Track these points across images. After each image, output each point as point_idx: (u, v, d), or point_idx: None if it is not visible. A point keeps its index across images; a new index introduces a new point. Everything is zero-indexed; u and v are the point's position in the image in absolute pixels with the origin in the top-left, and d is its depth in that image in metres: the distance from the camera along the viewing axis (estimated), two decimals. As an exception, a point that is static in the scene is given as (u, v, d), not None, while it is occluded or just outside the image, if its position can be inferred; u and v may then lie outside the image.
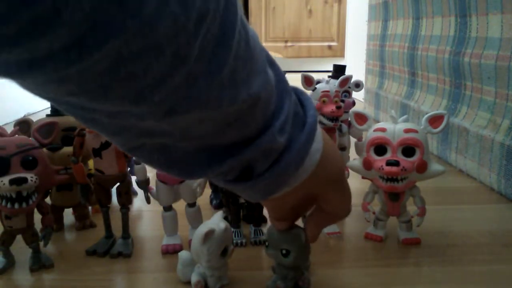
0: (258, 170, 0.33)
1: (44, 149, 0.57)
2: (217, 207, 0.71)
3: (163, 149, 0.29)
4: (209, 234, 0.45)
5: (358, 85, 0.71)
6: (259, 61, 0.28)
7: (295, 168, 0.34)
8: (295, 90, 0.36)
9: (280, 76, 0.32)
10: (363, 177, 0.61)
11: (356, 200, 0.69)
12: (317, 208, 0.42)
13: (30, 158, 0.51)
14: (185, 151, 0.30)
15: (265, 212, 0.62)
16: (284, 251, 0.44)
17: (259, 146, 0.30)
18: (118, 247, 0.57)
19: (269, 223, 0.50)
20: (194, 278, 0.48)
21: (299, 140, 0.33)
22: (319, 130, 0.36)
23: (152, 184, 0.58)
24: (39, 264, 0.53)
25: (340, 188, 0.40)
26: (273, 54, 3.10)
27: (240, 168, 0.32)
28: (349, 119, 0.64)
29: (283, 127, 0.31)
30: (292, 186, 0.35)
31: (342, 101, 0.63)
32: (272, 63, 0.32)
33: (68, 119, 0.63)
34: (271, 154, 0.32)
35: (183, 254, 0.50)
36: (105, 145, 0.55)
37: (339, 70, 0.70)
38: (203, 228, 0.46)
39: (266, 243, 0.46)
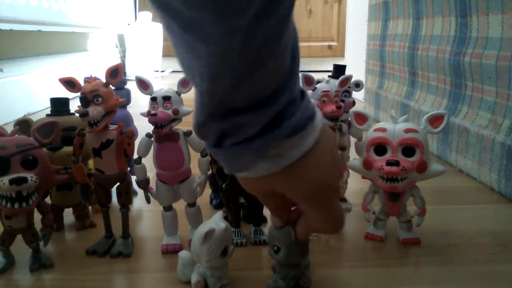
0: (226, 142, 0.34)
1: (44, 149, 0.57)
2: (217, 207, 0.71)
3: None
4: (209, 234, 0.45)
5: (358, 85, 0.70)
6: (286, 38, 0.30)
7: (252, 158, 0.35)
8: (302, 91, 0.36)
9: (292, 71, 0.33)
10: (363, 177, 0.61)
11: (356, 200, 0.69)
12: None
13: (30, 158, 0.51)
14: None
15: (265, 212, 0.63)
16: (275, 248, 0.45)
17: (236, 117, 0.32)
18: (118, 247, 0.57)
19: (269, 223, 0.50)
20: (194, 278, 0.48)
21: (269, 135, 0.33)
22: (312, 136, 0.35)
23: (152, 184, 0.58)
24: (39, 264, 0.53)
25: (319, 204, 0.38)
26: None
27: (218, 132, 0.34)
28: (349, 119, 0.64)
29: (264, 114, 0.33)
30: (253, 175, 0.36)
31: (342, 101, 0.63)
32: (294, 57, 0.33)
33: (68, 119, 0.63)
34: (240, 131, 0.33)
35: (183, 254, 0.50)
36: (105, 145, 0.55)
37: (339, 70, 0.70)
38: (203, 228, 0.46)
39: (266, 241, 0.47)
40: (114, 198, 0.59)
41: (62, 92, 0.61)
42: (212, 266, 0.47)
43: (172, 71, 3.07)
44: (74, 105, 0.59)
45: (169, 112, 0.53)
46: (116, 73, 0.56)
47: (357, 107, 0.63)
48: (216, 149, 0.36)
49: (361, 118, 0.60)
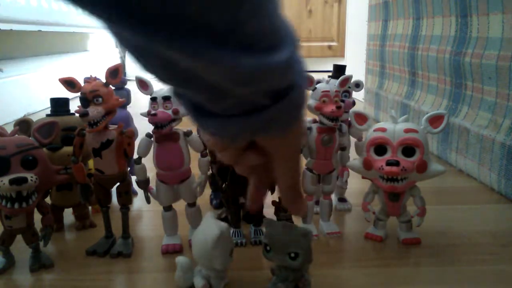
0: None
1: (44, 149, 0.57)
2: (217, 207, 0.71)
3: None
4: (221, 237, 0.45)
5: (358, 85, 0.70)
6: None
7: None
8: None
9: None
10: (363, 177, 0.61)
11: (356, 200, 0.69)
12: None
13: (30, 158, 0.51)
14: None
15: (265, 212, 0.63)
16: (292, 254, 0.44)
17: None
18: (118, 247, 0.57)
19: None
20: (199, 282, 0.47)
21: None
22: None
23: (152, 184, 0.58)
24: (39, 264, 0.53)
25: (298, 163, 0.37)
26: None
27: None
28: (349, 119, 0.64)
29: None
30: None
31: (342, 101, 0.63)
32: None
33: (68, 119, 0.64)
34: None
35: (182, 260, 0.48)
36: (105, 145, 0.55)
37: (339, 70, 0.70)
38: (209, 233, 0.45)
39: (268, 247, 0.46)
40: (114, 198, 0.59)
41: (62, 92, 0.61)
42: (225, 267, 0.47)
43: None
44: (74, 105, 0.59)
45: (169, 112, 0.53)
46: (116, 73, 0.56)
47: (357, 107, 0.63)
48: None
49: (361, 118, 0.60)
